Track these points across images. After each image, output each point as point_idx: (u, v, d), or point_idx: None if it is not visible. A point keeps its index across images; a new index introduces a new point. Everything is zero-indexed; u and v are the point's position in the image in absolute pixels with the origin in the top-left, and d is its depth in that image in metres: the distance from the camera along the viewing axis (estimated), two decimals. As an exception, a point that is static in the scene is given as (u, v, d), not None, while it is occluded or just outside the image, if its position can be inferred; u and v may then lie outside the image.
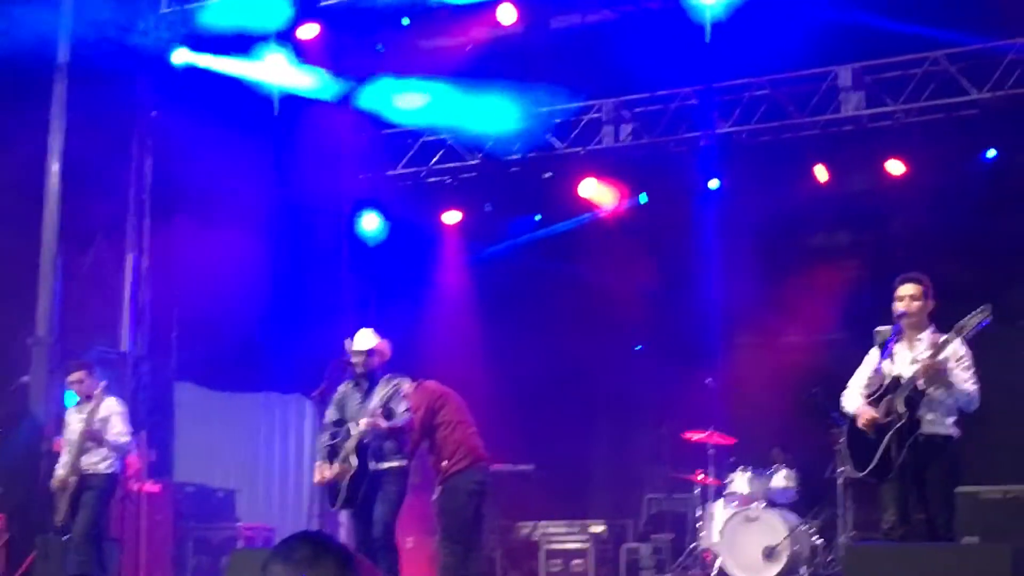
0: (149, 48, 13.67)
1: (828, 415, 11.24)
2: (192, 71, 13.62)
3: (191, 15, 13.61)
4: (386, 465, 9.44)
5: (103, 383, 10.75)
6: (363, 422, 9.26)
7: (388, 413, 9.40)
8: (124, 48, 13.39)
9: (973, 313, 7.86)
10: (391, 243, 15.61)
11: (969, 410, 8.07)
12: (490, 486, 10.36)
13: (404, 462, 9.55)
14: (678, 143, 14.47)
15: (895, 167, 13.79)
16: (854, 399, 8.37)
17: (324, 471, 9.47)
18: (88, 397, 10.66)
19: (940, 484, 8.07)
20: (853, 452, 8.45)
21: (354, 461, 9.33)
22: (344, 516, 12.73)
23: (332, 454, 9.54)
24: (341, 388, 9.74)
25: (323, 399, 9.71)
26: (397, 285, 15.36)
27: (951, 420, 8.07)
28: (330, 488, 9.52)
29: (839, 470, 11.41)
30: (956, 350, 7.95)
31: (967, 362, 8.03)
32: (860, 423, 8.18)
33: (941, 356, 7.91)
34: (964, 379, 7.99)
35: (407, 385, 9.96)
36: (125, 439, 10.68)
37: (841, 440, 9.15)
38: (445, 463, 9.98)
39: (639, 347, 14.61)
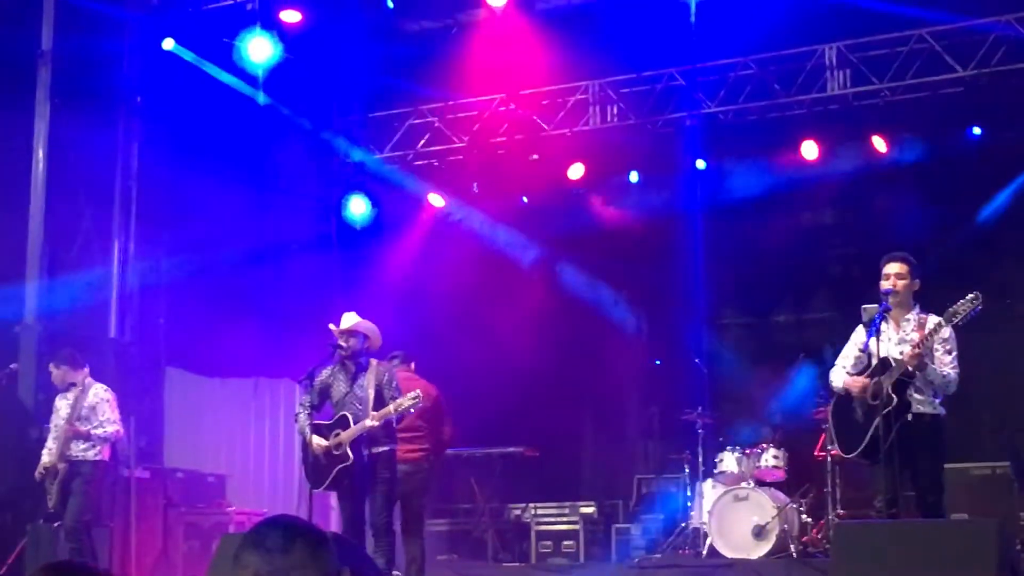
0: (134, 33, 13.62)
1: (816, 392, 11.30)
2: (178, 56, 13.57)
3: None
4: (378, 450, 9.45)
5: (86, 368, 10.73)
6: (370, 422, 9.25)
7: (381, 400, 9.40)
8: (108, 32, 13.33)
9: (964, 300, 7.91)
10: (379, 227, 15.59)
11: (947, 392, 8.13)
12: (401, 479, 10.19)
13: (395, 446, 9.58)
14: (665, 124, 14.47)
15: (881, 145, 13.81)
16: (841, 376, 8.42)
17: (321, 442, 9.45)
18: (71, 384, 10.64)
19: (929, 462, 8.14)
20: (839, 431, 8.50)
21: (349, 453, 9.34)
22: (335, 500, 12.76)
23: (316, 431, 9.53)
24: (325, 372, 9.72)
25: (312, 383, 9.71)
26: (385, 268, 15.35)
27: (939, 400, 8.14)
28: (315, 471, 9.51)
29: (827, 448, 11.46)
30: (942, 333, 8.01)
31: (950, 346, 8.10)
32: (855, 392, 8.21)
33: (929, 343, 7.98)
34: (946, 363, 8.07)
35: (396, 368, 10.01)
36: (113, 427, 10.66)
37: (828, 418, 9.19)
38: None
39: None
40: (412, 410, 9.38)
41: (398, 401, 9.30)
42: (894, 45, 13.37)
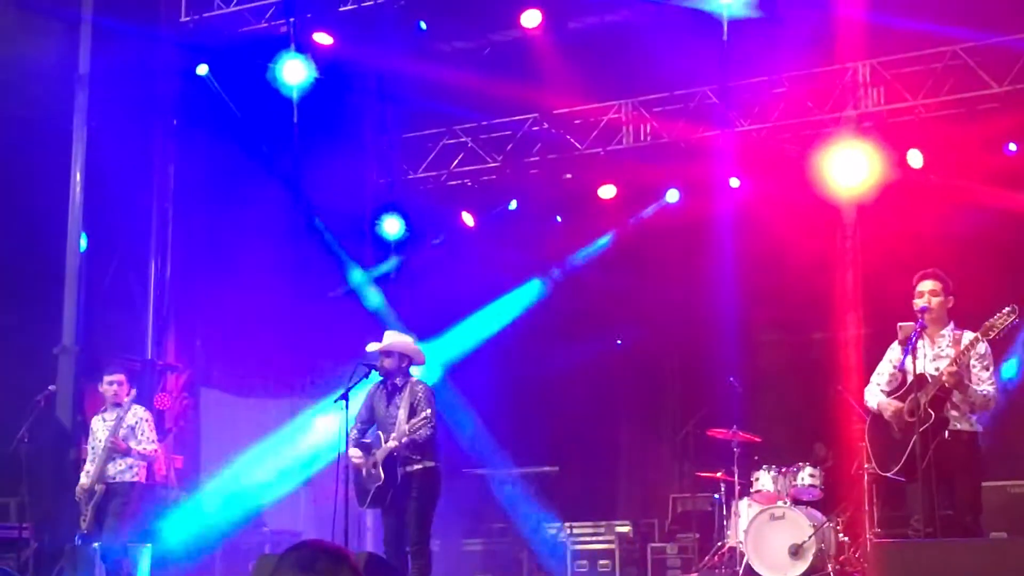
0: (169, 56, 13.74)
1: (853, 411, 11.24)
2: (212, 79, 13.66)
3: (210, 23, 13.67)
4: (414, 468, 9.43)
5: (133, 391, 10.82)
6: (391, 443, 9.29)
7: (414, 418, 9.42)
8: (144, 56, 13.45)
9: (1000, 314, 7.86)
10: (413, 246, 15.64)
11: (987, 409, 8.07)
12: None
13: (432, 464, 9.52)
14: (698, 142, 14.45)
15: (915, 161, 13.71)
16: (875, 395, 8.39)
17: (358, 458, 9.50)
18: (118, 404, 10.71)
19: (966, 480, 8.07)
20: (875, 449, 8.46)
21: (381, 473, 9.36)
22: (371, 520, 12.80)
23: (364, 447, 9.56)
24: (372, 388, 9.75)
25: (347, 402, 9.71)
26: (419, 288, 15.39)
27: (975, 416, 8.08)
28: (358, 488, 9.54)
29: (864, 467, 11.38)
30: (978, 349, 7.96)
31: (987, 361, 8.05)
32: (887, 415, 8.18)
33: (965, 359, 7.93)
34: (983, 379, 8.01)
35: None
36: (152, 447, 10.73)
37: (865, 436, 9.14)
38: None
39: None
40: (429, 430, 9.32)
41: (412, 422, 9.29)
42: (928, 62, 13.33)
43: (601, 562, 13.64)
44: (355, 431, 9.64)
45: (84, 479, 10.68)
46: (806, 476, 12.15)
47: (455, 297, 15.08)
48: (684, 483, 14.66)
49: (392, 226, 15.45)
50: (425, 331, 12.45)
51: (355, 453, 9.50)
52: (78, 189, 12.81)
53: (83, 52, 12.98)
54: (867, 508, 11.74)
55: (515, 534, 14.03)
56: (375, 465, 9.41)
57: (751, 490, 12.37)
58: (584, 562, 13.70)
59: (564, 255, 15.75)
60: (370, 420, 9.71)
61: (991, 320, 7.90)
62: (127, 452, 10.56)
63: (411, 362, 9.72)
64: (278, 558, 3.41)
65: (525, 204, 15.64)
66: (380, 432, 9.52)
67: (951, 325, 8.21)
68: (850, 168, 13.60)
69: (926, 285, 8.20)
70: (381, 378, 9.68)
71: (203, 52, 13.66)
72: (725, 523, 12.71)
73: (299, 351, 14.21)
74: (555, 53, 14.10)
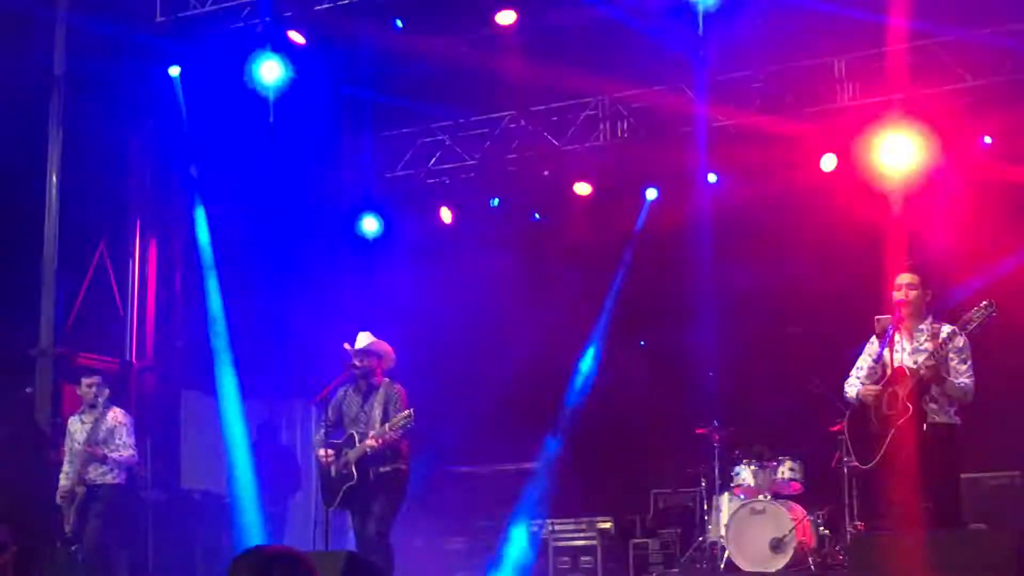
0: (145, 56, 13.67)
1: (831, 405, 11.27)
2: (187, 79, 13.62)
3: (185, 23, 13.61)
4: (385, 469, 9.48)
5: (106, 391, 10.80)
6: (369, 443, 9.30)
7: (388, 420, 9.44)
8: (119, 57, 13.39)
9: (977, 308, 7.93)
10: (391, 245, 15.62)
11: (965, 402, 8.12)
12: None
13: (404, 465, 9.58)
14: (676, 137, 14.45)
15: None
16: (855, 387, 8.43)
17: (320, 452, 9.54)
18: (94, 406, 10.68)
19: (945, 472, 8.12)
20: (855, 442, 8.50)
21: (355, 472, 9.38)
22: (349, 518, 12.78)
23: (334, 447, 9.58)
24: (340, 391, 9.78)
25: (326, 403, 9.76)
26: (398, 286, 15.36)
27: (953, 409, 8.13)
28: (326, 488, 9.57)
29: (844, 460, 11.42)
30: (956, 343, 8.01)
31: (965, 355, 8.10)
32: (868, 401, 8.21)
33: (943, 352, 7.97)
34: (961, 372, 8.06)
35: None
36: (128, 452, 10.72)
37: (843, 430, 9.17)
38: None
39: (643, 343, 14.75)
40: (407, 427, 9.34)
41: (392, 420, 9.32)
42: (902, 56, 13.33)
43: (583, 558, 13.64)
44: (321, 432, 9.69)
45: (64, 480, 10.67)
46: (786, 470, 12.19)
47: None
48: (664, 479, 14.67)
49: (370, 225, 15.44)
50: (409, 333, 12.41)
51: (321, 452, 9.54)
52: (54, 191, 12.76)
53: (58, 53, 12.92)
54: (847, 501, 11.77)
55: (497, 532, 14.01)
56: (347, 465, 9.43)
57: (731, 485, 12.40)
58: (566, 559, 13.70)
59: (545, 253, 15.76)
60: (337, 422, 9.74)
61: (968, 314, 7.96)
62: (103, 459, 10.54)
63: (384, 364, 9.77)
64: (230, 565, 3.40)
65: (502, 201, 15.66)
66: (353, 432, 9.52)
67: (930, 319, 8.25)
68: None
69: (904, 278, 8.25)
70: (352, 381, 9.72)
71: (178, 52, 13.60)
72: (706, 518, 12.73)
73: (280, 351, 14.17)
74: (531, 50, 14.07)
